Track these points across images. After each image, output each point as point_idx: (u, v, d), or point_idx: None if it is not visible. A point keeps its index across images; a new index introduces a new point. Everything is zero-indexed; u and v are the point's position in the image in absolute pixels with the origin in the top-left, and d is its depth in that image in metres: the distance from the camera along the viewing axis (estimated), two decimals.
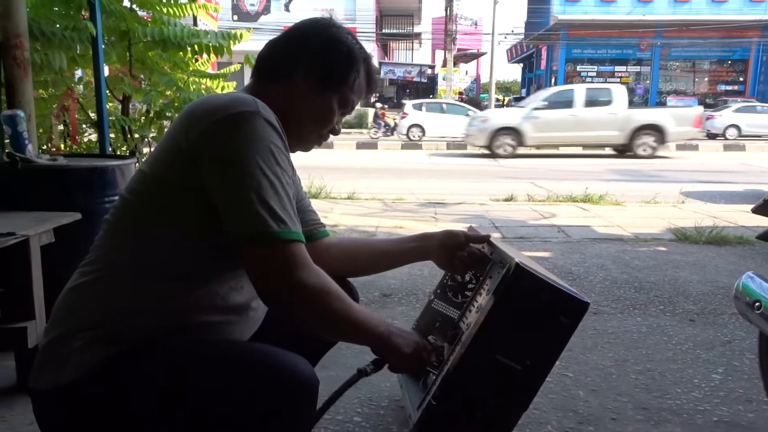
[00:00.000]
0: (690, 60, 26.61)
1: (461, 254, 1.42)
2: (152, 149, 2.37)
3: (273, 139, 1.05)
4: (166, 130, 3.20)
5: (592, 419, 1.89)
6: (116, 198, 1.27)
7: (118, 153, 3.67)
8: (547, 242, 4.46)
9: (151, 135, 3.93)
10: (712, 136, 18.48)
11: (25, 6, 2.49)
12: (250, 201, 0.99)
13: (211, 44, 3.59)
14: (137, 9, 3.56)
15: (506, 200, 6.51)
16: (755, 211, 1.71)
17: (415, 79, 31.47)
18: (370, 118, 21.75)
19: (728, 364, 2.32)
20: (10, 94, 2.44)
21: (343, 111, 1.27)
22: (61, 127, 3.78)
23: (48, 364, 1.06)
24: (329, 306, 1.06)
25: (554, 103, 13.16)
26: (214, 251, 1.08)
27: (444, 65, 24.18)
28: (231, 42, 3.66)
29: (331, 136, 1.30)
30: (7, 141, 2.20)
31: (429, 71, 32.51)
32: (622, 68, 26.75)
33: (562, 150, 13.98)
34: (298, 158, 1.30)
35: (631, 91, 26.69)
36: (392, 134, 18.70)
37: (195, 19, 5.22)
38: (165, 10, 3.55)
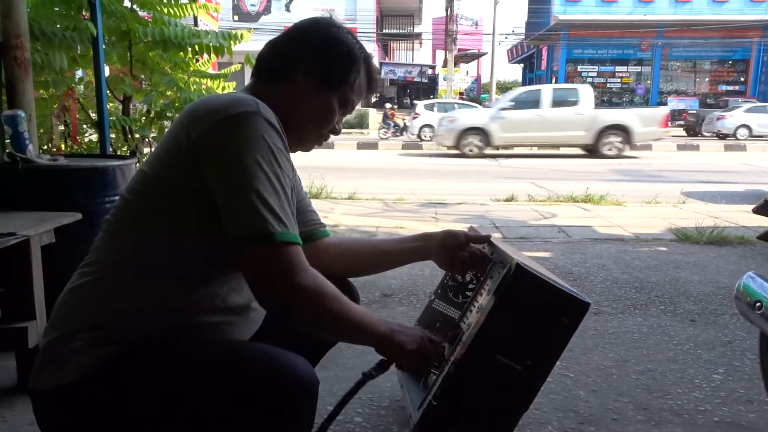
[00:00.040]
0: (691, 60, 26.59)
1: (462, 254, 1.42)
2: (153, 149, 2.37)
3: (273, 140, 1.05)
4: (166, 130, 3.20)
5: (593, 419, 1.89)
6: (117, 198, 1.27)
7: (119, 153, 3.67)
8: (548, 242, 4.46)
9: (152, 135, 3.93)
10: (722, 137, 18.39)
11: (26, 6, 2.49)
12: (249, 201, 0.99)
13: (211, 44, 3.59)
14: (138, 9, 3.56)
15: (507, 200, 6.51)
16: (756, 211, 1.71)
17: (415, 80, 31.49)
18: (371, 119, 21.75)
19: (729, 365, 2.32)
20: (10, 94, 2.44)
21: (344, 111, 1.26)
22: (61, 127, 3.78)
23: (48, 364, 1.06)
24: (327, 308, 1.06)
25: (521, 104, 13.28)
26: (214, 251, 1.08)
27: (444, 65, 24.18)
28: (231, 42, 3.66)
29: (331, 135, 1.30)
30: (7, 141, 2.20)
31: (430, 71, 32.53)
32: (623, 68, 26.74)
33: (534, 150, 14.08)
34: (298, 158, 1.30)
35: (632, 92, 26.74)
36: (402, 134, 18.67)
37: (195, 19, 5.22)
38: (165, 10, 3.55)
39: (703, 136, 19.73)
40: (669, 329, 2.70)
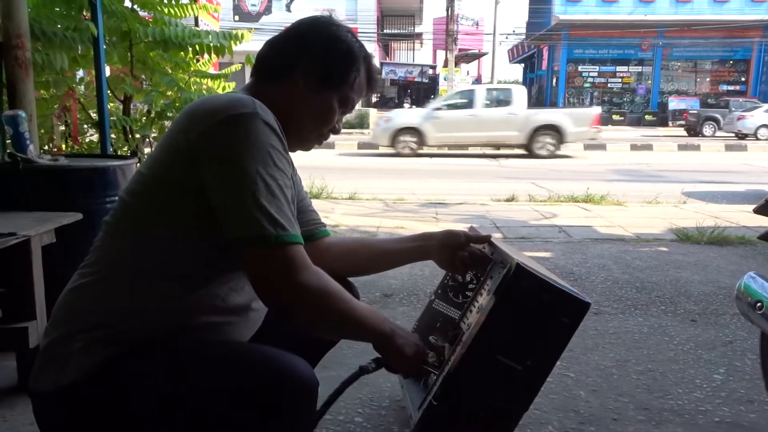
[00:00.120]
0: (692, 60, 26.57)
1: (462, 254, 1.42)
2: (151, 150, 2.37)
3: (271, 141, 1.05)
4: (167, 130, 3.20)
5: (594, 419, 1.89)
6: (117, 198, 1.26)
7: (120, 153, 3.67)
8: (549, 242, 4.46)
9: (153, 135, 3.93)
10: (742, 137, 18.24)
11: (27, 6, 2.49)
12: (246, 203, 0.99)
13: (212, 44, 3.59)
14: (138, 9, 3.56)
15: (507, 200, 6.51)
16: (757, 211, 1.71)
17: (416, 80, 31.46)
18: (372, 119, 21.71)
19: (730, 365, 2.32)
20: (11, 94, 2.44)
21: (344, 110, 1.26)
22: (62, 127, 3.79)
23: (48, 365, 1.06)
24: (331, 306, 1.06)
25: (455, 104, 13.38)
26: (214, 251, 1.08)
27: (445, 65, 24.14)
28: (232, 42, 3.66)
29: (331, 135, 1.30)
30: (8, 141, 2.21)
31: (430, 71, 32.50)
32: (624, 68, 26.73)
33: (474, 150, 14.09)
34: (299, 158, 1.30)
35: (633, 92, 26.73)
36: None
37: (196, 19, 5.22)
38: (166, 10, 3.56)
39: (702, 136, 19.69)
40: (670, 329, 2.70)
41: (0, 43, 2.43)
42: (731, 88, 26.21)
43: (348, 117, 1.50)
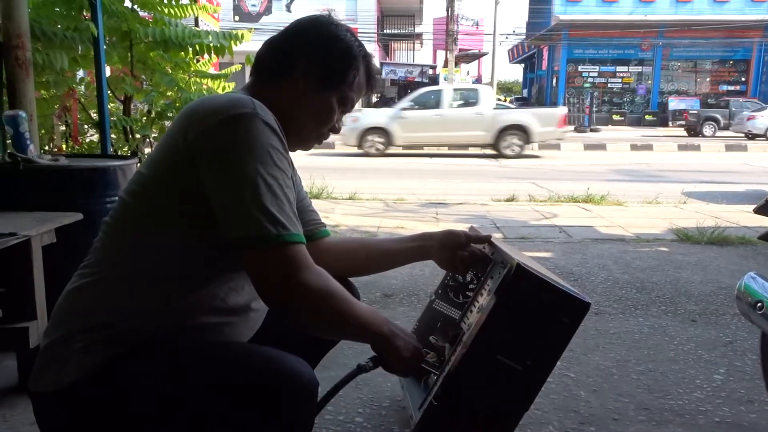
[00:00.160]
0: (692, 60, 26.56)
1: (462, 254, 1.41)
2: (151, 151, 2.37)
3: (271, 141, 1.04)
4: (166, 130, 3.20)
5: (594, 420, 1.89)
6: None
7: (120, 153, 3.67)
8: (549, 242, 4.46)
9: (153, 135, 3.93)
10: (752, 137, 18.15)
11: (27, 6, 2.49)
12: (247, 203, 0.99)
13: (212, 45, 3.59)
14: (139, 10, 3.56)
15: (508, 200, 6.50)
16: (757, 211, 1.71)
17: (416, 80, 31.42)
18: None
19: (730, 365, 2.32)
20: (11, 94, 2.44)
21: (344, 109, 1.26)
22: (62, 127, 3.79)
23: (48, 365, 1.06)
24: (332, 306, 1.06)
25: (422, 104, 13.38)
26: (213, 251, 1.08)
27: (445, 65, 24.12)
28: (232, 42, 3.66)
29: (332, 134, 1.30)
30: (9, 141, 2.21)
31: (430, 71, 32.46)
32: (624, 68, 26.71)
33: (442, 150, 14.14)
34: (299, 158, 1.30)
35: (633, 92, 26.72)
36: None
37: (196, 19, 5.22)
38: (166, 10, 3.56)
39: (702, 136, 19.66)
40: (670, 329, 2.70)
41: (0, 43, 2.43)
42: (731, 88, 26.20)
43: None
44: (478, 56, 35.98)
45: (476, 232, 1.49)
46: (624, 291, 3.25)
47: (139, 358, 1.03)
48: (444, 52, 24.85)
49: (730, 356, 2.40)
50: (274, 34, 1.24)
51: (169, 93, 3.85)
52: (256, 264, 1.00)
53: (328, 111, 1.23)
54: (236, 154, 1.01)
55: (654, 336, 2.62)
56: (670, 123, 23.71)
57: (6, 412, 1.84)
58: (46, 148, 3.57)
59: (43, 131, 3.53)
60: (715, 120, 20.67)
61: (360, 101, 1.35)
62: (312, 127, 1.24)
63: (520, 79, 39.74)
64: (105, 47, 3.19)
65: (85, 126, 3.99)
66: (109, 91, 3.42)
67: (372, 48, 23.26)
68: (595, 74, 26.66)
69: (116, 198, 1.19)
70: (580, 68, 26.73)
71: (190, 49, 3.58)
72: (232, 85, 4.10)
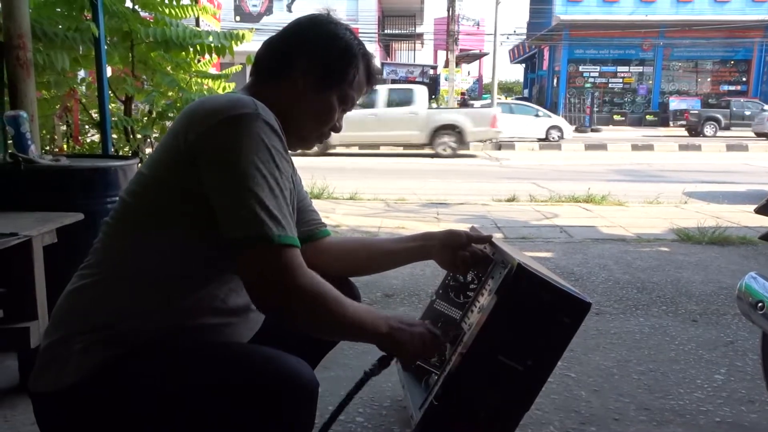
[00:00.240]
0: (692, 60, 26.57)
1: (463, 254, 1.41)
2: (152, 151, 2.37)
3: (272, 141, 1.04)
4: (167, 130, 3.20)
5: (595, 420, 1.89)
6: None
7: (121, 153, 3.67)
8: (550, 242, 4.46)
9: (154, 135, 3.93)
10: (765, 136, 18.10)
11: (28, 6, 2.49)
12: (247, 204, 0.98)
13: (213, 45, 3.59)
14: (140, 10, 3.56)
15: (508, 200, 6.50)
16: (758, 211, 1.71)
17: (417, 80, 31.42)
18: None
19: (731, 365, 2.32)
20: (12, 94, 2.44)
21: (344, 108, 1.26)
22: (63, 127, 3.79)
23: (48, 365, 1.06)
24: (326, 309, 1.04)
25: (358, 103, 13.36)
26: (214, 252, 1.07)
27: (446, 66, 24.13)
28: (233, 42, 3.66)
29: (332, 133, 1.30)
30: (10, 142, 2.21)
31: (431, 72, 32.46)
32: (625, 68, 26.73)
33: (378, 150, 14.17)
34: (300, 158, 1.30)
35: (634, 92, 26.72)
36: None
37: (197, 20, 5.23)
38: (167, 11, 3.56)
39: (703, 136, 19.63)
40: (671, 329, 2.69)
41: (1, 43, 2.44)
42: (732, 88, 26.21)
43: None
44: (478, 56, 35.96)
45: (477, 232, 1.49)
46: (625, 291, 3.25)
47: (139, 359, 1.03)
48: (445, 52, 24.85)
49: (731, 356, 2.40)
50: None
51: (170, 93, 3.85)
52: (256, 264, 0.99)
53: (328, 110, 1.23)
54: (237, 154, 1.01)
55: (655, 336, 2.62)
56: (670, 123, 23.72)
57: (7, 412, 1.84)
58: (47, 148, 3.57)
59: (44, 131, 3.53)
60: (716, 120, 20.67)
61: (360, 100, 1.35)
62: (312, 126, 1.24)
63: (521, 80, 39.72)
64: (106, 47, 3.19)
65: (86, 126, 3.99)
66: (110, 92, 3.42)
67: (373, 48, 23.22)
68: (596, 74, 26.67)
69: (117, 198, 1.19)
70: (581, 68, 26.75)
71: (191, 49, 3.58)
72: (233, 85, 4.10)
